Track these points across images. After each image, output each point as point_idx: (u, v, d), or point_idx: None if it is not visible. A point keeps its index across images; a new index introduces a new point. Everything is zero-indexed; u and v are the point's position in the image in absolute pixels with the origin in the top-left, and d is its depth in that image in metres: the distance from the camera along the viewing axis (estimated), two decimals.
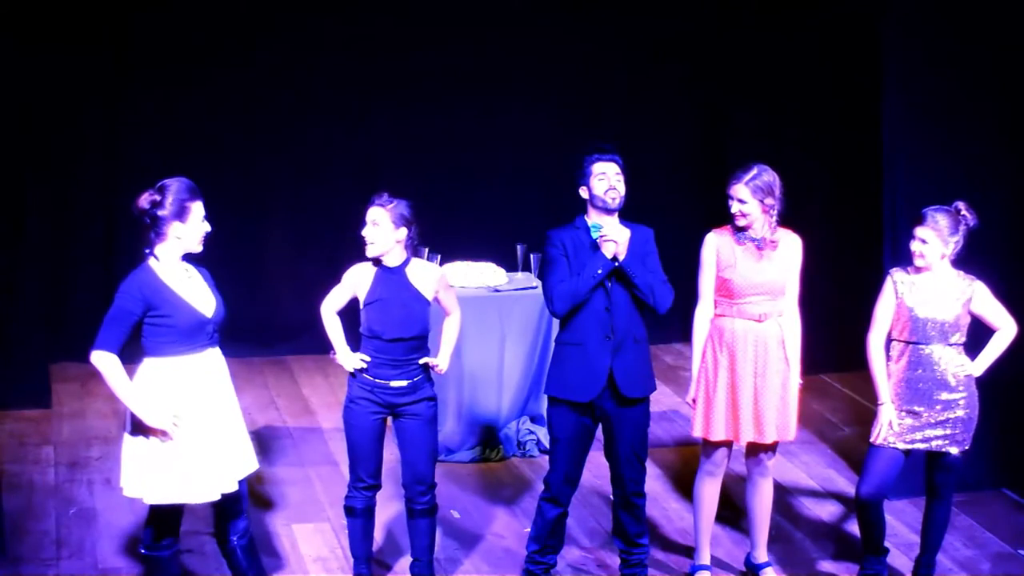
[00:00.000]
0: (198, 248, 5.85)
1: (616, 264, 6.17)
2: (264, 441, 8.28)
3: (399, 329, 6.19)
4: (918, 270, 6.35)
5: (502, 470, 8.04)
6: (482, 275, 8.36)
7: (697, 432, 6.51)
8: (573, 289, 6.15)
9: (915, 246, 6.32)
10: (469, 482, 7.83)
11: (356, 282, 6.26)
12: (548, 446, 6.64)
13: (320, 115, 9.67)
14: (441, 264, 8.36)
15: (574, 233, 6.27)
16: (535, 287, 8.21)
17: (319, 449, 8.22)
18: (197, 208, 5.80)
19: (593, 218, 6.29)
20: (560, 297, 6.18)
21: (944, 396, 6.34)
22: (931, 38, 7.42)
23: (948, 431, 6.36)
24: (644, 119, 10.06)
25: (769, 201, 6.34)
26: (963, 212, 6.30)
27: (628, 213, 6.39)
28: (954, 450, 6.39)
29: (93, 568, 6.70)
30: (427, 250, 8.35)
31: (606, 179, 6.25)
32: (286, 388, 9.24)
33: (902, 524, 7.34)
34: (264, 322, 9.74)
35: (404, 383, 6.23)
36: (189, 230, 5.78)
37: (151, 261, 5.79)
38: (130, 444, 5.79)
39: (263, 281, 9.76)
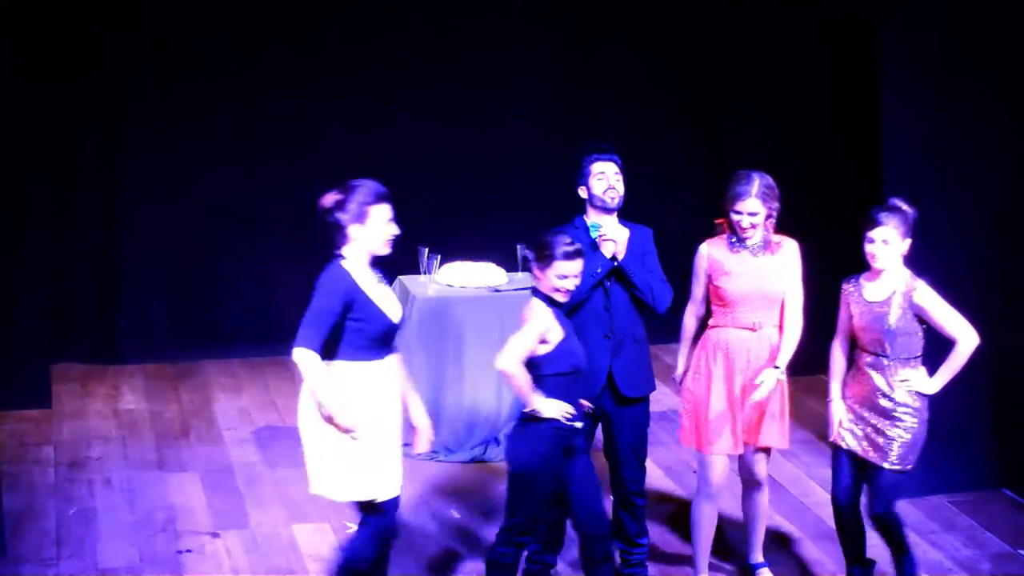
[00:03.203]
0: (384, 250, 5.78)
1: (615, 263, 6.17)
2: (264, 441, 8.29)
3: (581, 359, 5.93)
4: (869, 277, 6.19)
5: (502, 470, 8.02)
6: (482, 275, 8.35)
7: (689, 443, 6.37)
8: None
9: (875, 248, 6.09)
10: (469, 482, 7.83)
11: (549, 323, 5.82)
12: None
13: (321, 115, 9.67)
14: (441, 264, 8.37)
15: (573, 233, 6.25)
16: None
17: None
18: (378, 212, 5.73)
19: (592, 218, 6.29)
20: None
21: (884, 404, 6.13)
22: (931, 38, 7.41)
23: (882, 441, 6.12)
24: (643, 118, 10.05)
25: (775, 205, 6.27)
26: (904, 208, 6.11)
27: (627, 213, 6.39)
28: (886, 465, 6.13)
29: (93, 568, 6.70)
30: (427, 250, 8.36)
31: (605, 179, 6.26)
32: (286, 388, 9.24)
33: None
34: (264, 322, 9.74)
35: (580, 424, 5.91)
36: (369, 233, 5.72)
37: (343, 262, 5.74)
38: (319, 442, 5.73)
39: (263, 281, 9.76)
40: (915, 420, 6.14)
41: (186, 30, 9.33)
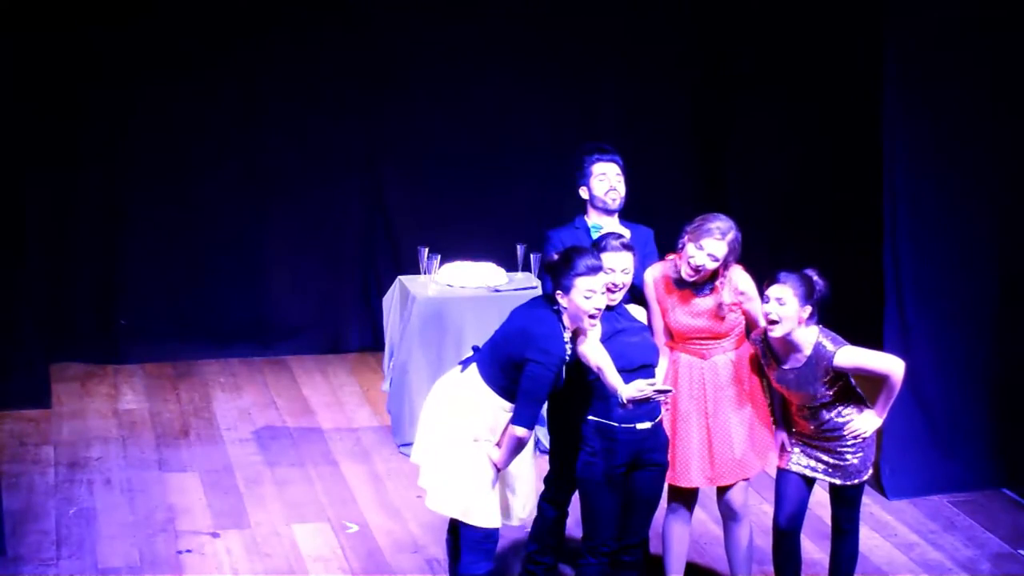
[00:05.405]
0: (587, 325, 5.61)
1: None
2: (264, 441, 8.29)
3: (642, 355, 5.79)
4: (776, 345, 5.85)
5: None
6: (482, 275, 8.35)
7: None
8: None
9: (769, 307, 5.75)
10: None
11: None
12: (548, 446, 6.63)
13: (321, 116, 9.66)
14: (441, 264, 8.37)
15: (574, 233, 6.26)
16: (535, 287, 8.21)
17: (319, 449, 8.22)
18: (582, 284, 5.54)
19: (593, 218, 6.29)
20: None
21: (834, 431, 5.94)
22: (931, 38, 7.42)
23: (841, 462, 5.97)
24: (644, 119, 10.05)
25: (732, 261, 5.93)
26: (813, 277, 5.81)
27: (628, 213, 6.39)
28: (836, 481, 5.98)
29: (93, 568, 6.70)
30: (427, 250, 8.35)
31: (606, 179, 6.25)
32: (286, 388, 9.24)
33: (902, 524, 7.33)
34: (264, 322, 9.74)
35: (648, 424, 5.82)
36: (571, 303, 5.59)
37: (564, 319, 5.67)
38: (477, 471, 5.81)
39: (263, 281, 9.76)
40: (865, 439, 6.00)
41: (187, 30, 9.32)
